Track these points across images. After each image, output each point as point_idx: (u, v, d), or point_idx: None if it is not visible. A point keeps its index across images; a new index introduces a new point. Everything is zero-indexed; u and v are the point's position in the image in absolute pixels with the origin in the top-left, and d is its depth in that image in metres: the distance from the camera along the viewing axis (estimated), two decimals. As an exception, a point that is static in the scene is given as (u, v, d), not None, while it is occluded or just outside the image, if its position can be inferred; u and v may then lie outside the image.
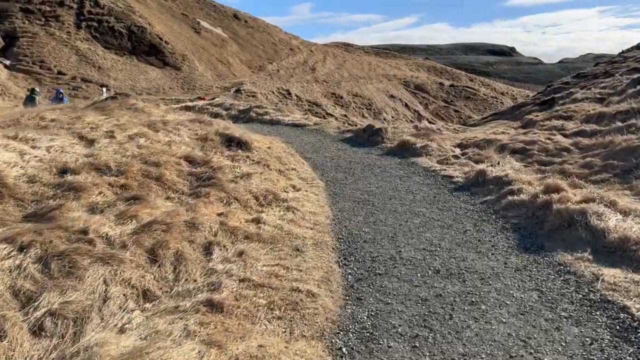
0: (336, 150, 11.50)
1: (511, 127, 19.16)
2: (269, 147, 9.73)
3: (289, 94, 52.87)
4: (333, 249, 5.85)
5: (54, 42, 45.11)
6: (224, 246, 5.43)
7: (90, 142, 7.71)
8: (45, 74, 42.23)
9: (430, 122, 63.03)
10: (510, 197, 7.38)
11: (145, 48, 50.11)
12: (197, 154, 8.00)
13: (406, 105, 68.77)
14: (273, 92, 51.81)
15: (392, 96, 69.32)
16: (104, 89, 29.15)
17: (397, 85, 74.79)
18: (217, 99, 17.61)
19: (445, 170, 9.57)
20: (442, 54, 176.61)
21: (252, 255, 5.28)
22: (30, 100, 21.68)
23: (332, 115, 52.97)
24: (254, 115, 15.60)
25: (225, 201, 6.72)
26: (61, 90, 25.56)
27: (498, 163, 9.12)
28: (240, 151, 9.20)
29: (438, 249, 5.87)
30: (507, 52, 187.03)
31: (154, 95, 46.36)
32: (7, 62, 41.58)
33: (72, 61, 44.79)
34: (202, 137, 9.38)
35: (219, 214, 6.17)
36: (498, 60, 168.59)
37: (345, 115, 55.13)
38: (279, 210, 6.88)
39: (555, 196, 6.77)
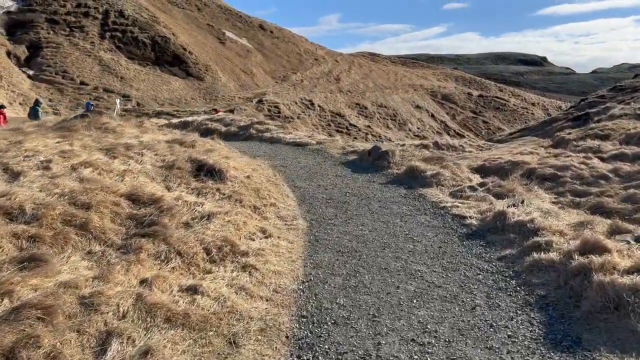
0: (334, 177, 9.85)
1: (541, 145, 17.20)
2: (248, 176, 8.16)
3: (312, 104, 51.49)
4: (287, 338, 4.20)
5: (78, 52, 44.85)
6: (129, 338, 3.83)
7: (15, 176, 6.28)
8: (68, 84, 41.89)
9: (453, 136, 60.96)
10: (535, 255, 5.60)
11: (169, 58, 49.52)
12: (147, 189, 6.47)
13: (432, 115, 66.64)
14: (296, 103, 50.52)
15: (418, 106, 67.29)
16: (118, 101, 28.22)
17: (424, 96, 72.69)
18: (220, 114, 16.17)
19: (457, 207, 7.82)
20: (470, 63, 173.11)
21: (162, 356, 3.69)
22: (33, 112, 20.71)
23: (355, 126, 51.31)
24: (254, 132, 14.11)
25: (162, 257, 5.15)
26: (92, 103, 23.78)
27: (522, 202, 7.32)
28: (210, 182, 7.66)
29: (433, 340, 4.17)
30: (538, 61, 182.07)
31: (176, 105, 45.64)
32: (31, 72, 41.38)
33: (95, 71, 44.42)
34: (169, 164, 7.87)
35: (142, 281, 4.61)
36: (529, 70, 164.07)
37: (369, 126, 53.43)
38: (231, 270, 5.27)
39: (595, 259, 4.98)
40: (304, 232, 6.74)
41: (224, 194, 7.35)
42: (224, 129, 14.61)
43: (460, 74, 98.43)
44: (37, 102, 21.59)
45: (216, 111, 25.44)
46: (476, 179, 9.77)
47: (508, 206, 7.17)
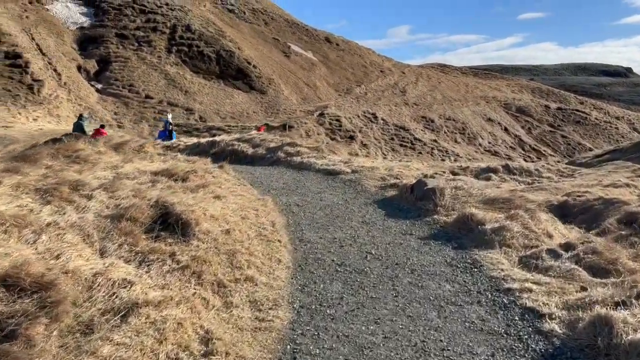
0: (359, 224, 7.23)
1: (639, 175, 13.63)
2: (227, 231, 5.76)
3: (375, 117, 48.81)
4: None
5: (145, 66, 44.96)
6: None
7: None
8: (134, 97, 41.89)
9: (528, 151, 55.92)
10: None
11: (233, 72, 48.75)
12: (34, 268, 4.20)
13: (505, 129, 61.81)
14: (358, 116, 48.05)
15: (489, 119, 62.71)
16: (169, 115, 27.03)
17: (497, 108, 67.83)
18: (253, 133, 13.98)
19: (530, 290, 4.99)
20: (548, 74, 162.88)
21: None
22: (77, 127, 19.59)
23: (420, 140, 47.95)
24: (283, 156, 11.78)
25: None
26: (170, 121, 21.94)
27: (638, 297, 4.40)
28: (167, 241, 5.33)
29: None
30: (622, 72, 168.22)
31: (237, 119, 44.58)
32: (99, 86, 41.74)
33: (160, 85, 44.29)
34: (119, 213, 5.64)
35: None
36: (612, 81, 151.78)
37: (435, 140, 49.86)
38: None
39: None
40: (279, 339, 4.21)
41: (179, 263, 4.99)
42: (250, 150, 12.43)
43: (537, 85, 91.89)
44: (81, 117, 20.50)
45: (258, 129, 23.44)
46: (558, 233, 6.81)
47: (614, 305, 4.28)
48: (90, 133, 20.42)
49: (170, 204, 5.96)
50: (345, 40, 72.51)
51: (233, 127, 27.72)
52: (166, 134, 20.09)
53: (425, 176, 12.75)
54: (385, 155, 42.05)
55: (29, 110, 31.56)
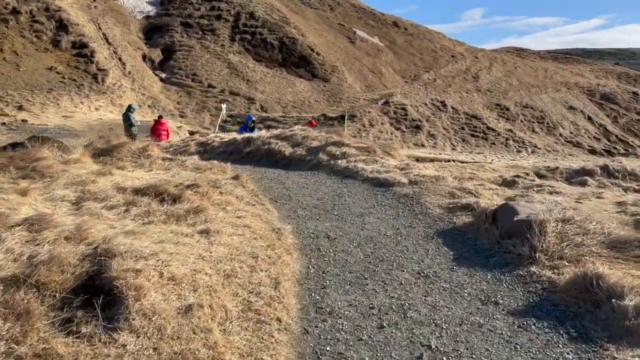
0: (414, 277, 4.70)
1: None
2: (187, 309, 3.45)
3: (444, 105, 45.12)
4: None
5: (208, 55, 43.91)
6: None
7: None
8: (196, 87, 40.93)
9: (614, 142, 49.97)
10: None
11: (295, 60, 46.72)
12: None
13: (589, 118, 55.76)
14: (425, 104, 44.60)
15: (571, 107, 56.83)
16: (224, 106, 25.36)
17: (579, 95, 61.51)
18: (298, 128, 11.60)
19: None
20: (635, 58, 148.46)
21: None
22: (126, 118, 18.02)
23: (493, 129, 43.75)
24: (325, 158, 9.35)
25: None
26: (253, 118, 19.55)
27: None
28: (81, 331, 3.11)
29: None
30: None
31: (299, 108, 42.62)
32: (163, 75, 41.09)
33: (223, 74, 43.09)
34: (23, 275, 3.49)
35: None
36: None
37: (510, 130, 45.41)
38: None
39: None
40: None
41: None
42: (288, 151, 10.10)
43: (624, 70, 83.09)
44: (129, 108, 18.79)
45: (309, 123, 21.04)
46: None
47: None
48: (137, 124, 18.81)
49: (112, 255, 3.74)
50: (414, 25, 68.43)
51: (288, 118, 25.50)
52: (247, 130, 17.50)
53: (508, 183, 9.90)
54: (454, 146, 38.51)
55: (91, 99, 31.08)
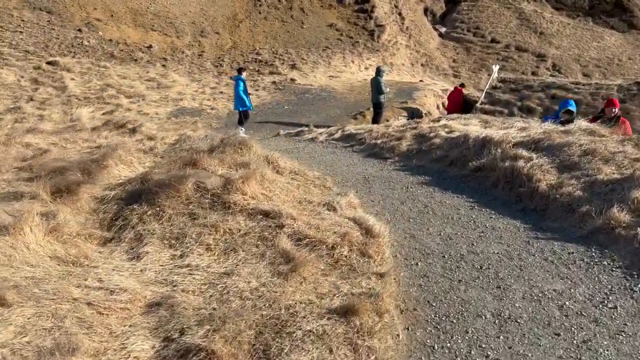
0: None
1: None
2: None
3: None
4: None
5: (497, 4, 37.90)
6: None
7: None
8: (477, 42, 35.94)
9: None
10: None
11: (608, 7, 36.42)
12: None
13: None
14: None
15: None
16: (495, 68, 20.40)
17: None
18: (585, 127, 6.58)
19: None
20: None
21: None
22: (375, 83, 15.06)
23: None
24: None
25: None
26: (574, 105, 15.68)
27: None
28: None
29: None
30: None
31: (604, 68, 33.25)
32: (443, 30, 37.20)
33: (511, 27, 36.66)
34: None
35: None
36: None
37: None
38: None
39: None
40: None
41: None
42: (548, 180, 5.37)
43: None
44: (378, 71, 15.70)
45: (601, 117, 14.00)
46: None
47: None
48: (387, 91, 15.73)
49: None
50: None
51: (583, 86, 18.54)
52: (554, 119, 13.06)
53: None
54: None
55: (362, 58, 29.80)
